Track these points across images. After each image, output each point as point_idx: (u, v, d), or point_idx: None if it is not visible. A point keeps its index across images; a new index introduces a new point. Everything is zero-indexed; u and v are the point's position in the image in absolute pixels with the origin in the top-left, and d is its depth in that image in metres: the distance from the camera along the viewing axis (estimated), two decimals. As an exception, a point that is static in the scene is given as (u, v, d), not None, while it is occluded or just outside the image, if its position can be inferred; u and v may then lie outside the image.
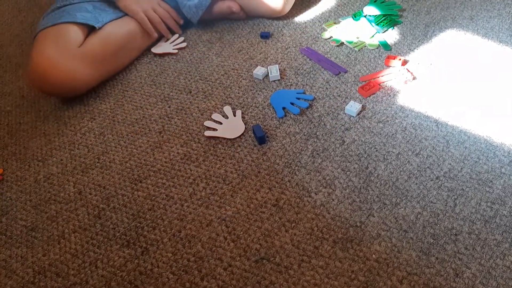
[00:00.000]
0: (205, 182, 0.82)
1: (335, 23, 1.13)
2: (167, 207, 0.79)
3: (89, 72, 0.99)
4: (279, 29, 1.14)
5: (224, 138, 0.88)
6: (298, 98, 0.94)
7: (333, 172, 0.80)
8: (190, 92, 1.01)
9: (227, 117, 0.93)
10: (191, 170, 0.84)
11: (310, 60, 1.04)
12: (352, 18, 1.12)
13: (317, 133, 0.87)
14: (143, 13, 1.08)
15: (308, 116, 0.91)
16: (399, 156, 0.81)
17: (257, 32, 1.14)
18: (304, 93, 0.96)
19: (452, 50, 1.01)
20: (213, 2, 1.14)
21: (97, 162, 0.89)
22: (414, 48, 1.03)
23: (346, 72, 0.99)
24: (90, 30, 1.02)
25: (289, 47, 1.08)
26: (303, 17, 1.17)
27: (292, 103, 0.93)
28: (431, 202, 0.73)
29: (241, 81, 1.01)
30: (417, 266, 0.66)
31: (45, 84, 0.95)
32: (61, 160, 0.90)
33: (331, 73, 1.00)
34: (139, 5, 1.08)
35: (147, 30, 1.10)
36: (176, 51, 1.12)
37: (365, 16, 1.11)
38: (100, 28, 1.02)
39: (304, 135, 0.87)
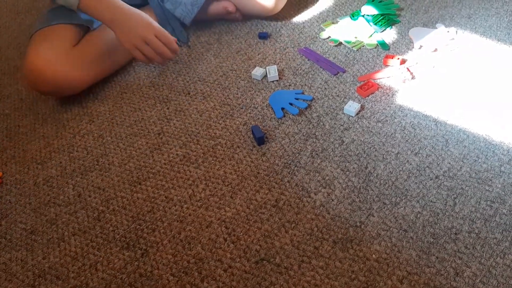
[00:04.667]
0: (205, 183, 0.82)
1: (333, 23, 1.13)
2: (166, 209, 0.79)
3: (85, 72, 0.99)
4: (277, 29, 1.14)
5: (224, 139, 0.88)
6: (297, 99, 0.94)
7: (332, 172, 0.80)
8: (189, 94, 1.01)
9: None
10: (190, 172, 0.84)
11: (308, 60, 1.04)
12: (350, 17, 1.12)
13: (316, 133, 0.87)
14: (135, 48, 0.97)
15: (307, 117, 0.91)
16: (398, 155, 0.81)
17: (255, 33, 1.14)
18: (302, 93, 0.96)
19: (450, 48, 1.00)
20: (209, 3, 1.14)
21: (96, 165, 0.89)
22: (412, 47, 1.03)
23: (344, 72, 0.99)
24: (86, 31, 1.03)
25: (288, 48, 1.08)
26: (301, 17, 1.17)
27: (291, 104, 0.93)
28: (431, 201, 0.73)
29: (239, 82, 1.01)
30: (417, 265, 0.66)
31: (40, 84, 0.96)
32: (60, 162, 0.90)
33: (330, 73, 1.00)
34: (129, 40, 0.96)
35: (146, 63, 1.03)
36: None
37: (363, 16, 1.11)
38: (95, 29, 1.03)
39: (303, 136, 0.87)
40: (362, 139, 0.85)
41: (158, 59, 1.00)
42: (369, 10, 1.11)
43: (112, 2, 0.95)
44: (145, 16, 0.98)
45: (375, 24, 1.08)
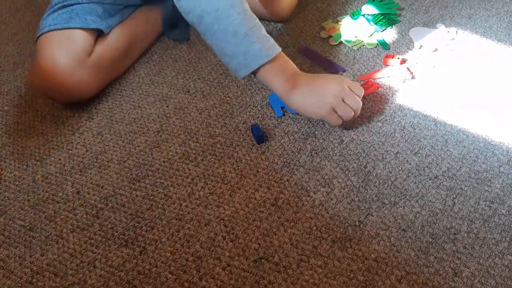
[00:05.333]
0: (204, 181, 0.82)
1: (333, 22, 1.13)
2: (165, 206, 0.79)
3: (99, 81, 1.00)
4: (277, 28, 1.14)
5: (223, 138, 0.88)
6: (297, 97, 0.94)
7: (331, 171, 0.80)
8: (188, 92, 1.00)
9: None
10: (189, 170, 0.84)
11: (308, 59, 1.04)
12: (351, 17, 1.12)
13: (316, 132, 0.87)
14: (332, 112, 0.80)
15: (306, 115, 0.91)
16: (398, 155, 0.81)
17: (256, 31, 1.14)
18: (302, 92, 0.96)
19: (450, 48, 1.00)
20: None
21: (95, 162, 0.88)
22: (412, 47, 1.03)
23: (344, 71, 0.99)
24: (98, 32, 1.02)
25: (288, 46, 1.08)
26: (301, 17, 1.17)
27: (290, 102, 0.93)
28: (430, 201, 0.73)
29: (239, 81, 1.01)
30: (416, 265, 0.66)
31: (49, 90, 0.95)
32: (59, 159, 0.90)
33: (330, 72, 0.99)
34: (325, 105, 0.80)
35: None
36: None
37: (363, 15, 1.11)
38: (107, 33, 1.02)
39: (303, 135, 0.87)
40: (362, 139, 0.85)
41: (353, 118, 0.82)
42: (369, 9, 1.11)
43: (294, 69, 0.85)
44: (327, 74, 0.88)
45: (376, 23, 1.08)
